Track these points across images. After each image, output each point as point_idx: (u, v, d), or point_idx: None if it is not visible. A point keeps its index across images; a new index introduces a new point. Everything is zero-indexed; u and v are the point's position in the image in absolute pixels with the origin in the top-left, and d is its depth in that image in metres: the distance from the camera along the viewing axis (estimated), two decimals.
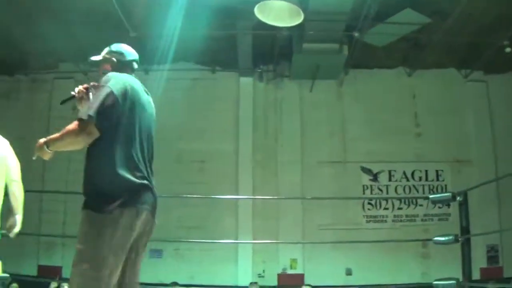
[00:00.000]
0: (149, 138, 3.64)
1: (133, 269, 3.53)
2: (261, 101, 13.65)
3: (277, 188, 12.99)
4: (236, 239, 12.41)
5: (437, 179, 13.33)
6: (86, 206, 3.36)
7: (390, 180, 13.34)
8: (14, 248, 8.28)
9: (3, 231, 5.11)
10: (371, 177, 13.35)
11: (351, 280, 12.23)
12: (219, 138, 13.30)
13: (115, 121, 3.41)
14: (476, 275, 7.41)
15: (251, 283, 11.60)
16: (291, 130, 13.39)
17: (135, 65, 3.87)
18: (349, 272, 12.65)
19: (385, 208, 13.19)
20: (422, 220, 13.09)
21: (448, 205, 12.36)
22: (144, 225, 3.45)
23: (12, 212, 5.02)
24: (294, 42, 11.96)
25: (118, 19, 10.47)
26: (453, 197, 7.27)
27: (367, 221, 13.15)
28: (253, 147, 13.31)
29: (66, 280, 11.23)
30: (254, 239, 12.58)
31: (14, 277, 9.01)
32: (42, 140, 3.51)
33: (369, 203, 13.21)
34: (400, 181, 13.33)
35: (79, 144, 3.41)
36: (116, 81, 3.48)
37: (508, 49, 11.71)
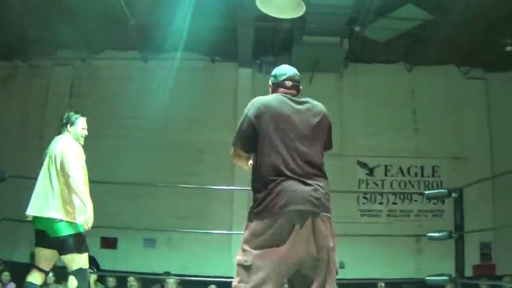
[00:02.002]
0: (302, 143, 3.82)
1: None
2: (260, 93, 13.33)
3: None
4: (230, 230, 12.41)
5: (433, 175, 13.33)
6: None
7: (386, 174, 13.34)
8: None
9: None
10: (367, 171, 13.36)
11: (343, 273, 12.14)
12: (217, 129, 13.19)
13: (258, 140, 3.84)
14: (468, 272, 7.44)
15: None
16: None
17: (288, 82, 4.27)
18: (341, 266, 12.58)
19: (380, 203, 13.21)
20: (416, 215, 13.11)
21: (443, 202, 12.40)
22: None
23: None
24: (295, 35, 11.95)
25: (118, 6, 10.41)
26: (449, 194, 7.32)
27: (362, 215, 13.17)
28: None
29: None
30: None
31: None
32: None
33: (364, 197, 13.22)
34: (396, 176, 13.34)
35: (239, 164, 4.16)
36: (250, 105, 4.07)
37: (509, 48, 11.72)
